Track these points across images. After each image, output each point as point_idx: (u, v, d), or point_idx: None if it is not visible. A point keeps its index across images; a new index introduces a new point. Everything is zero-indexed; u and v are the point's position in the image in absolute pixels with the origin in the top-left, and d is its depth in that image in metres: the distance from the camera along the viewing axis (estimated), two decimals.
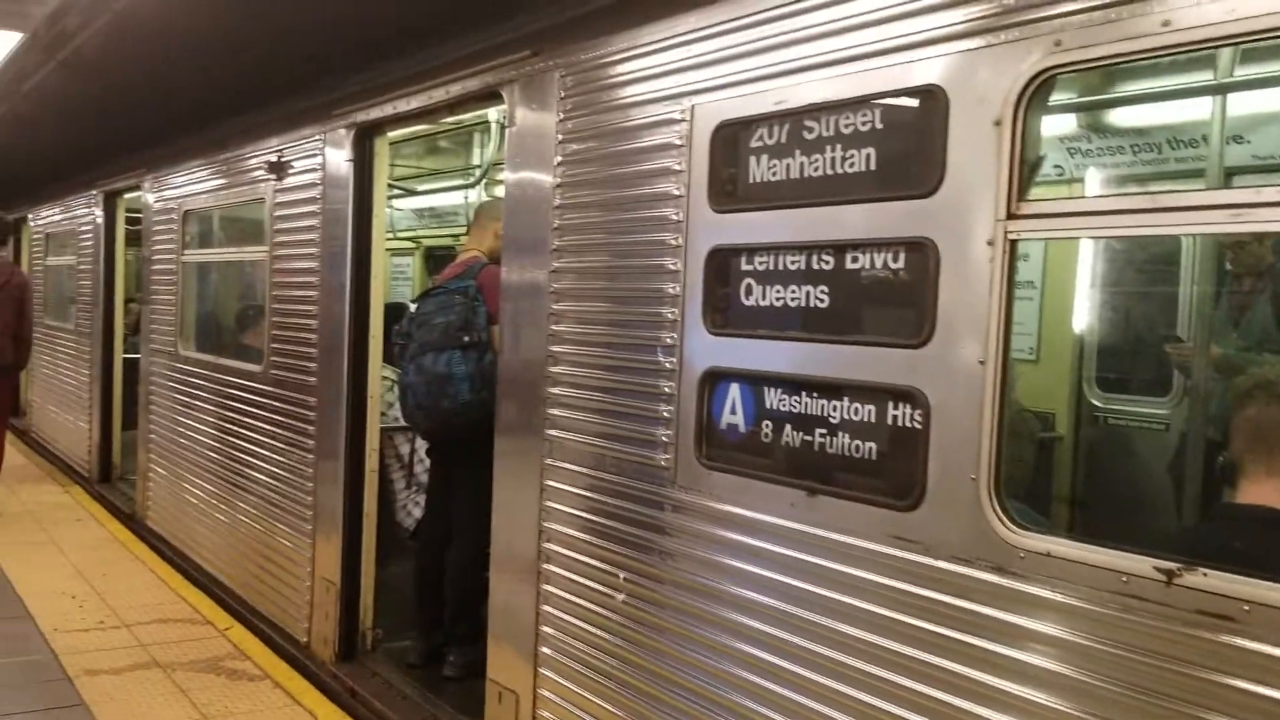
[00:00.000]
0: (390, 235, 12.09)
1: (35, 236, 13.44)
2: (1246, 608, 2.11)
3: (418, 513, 6.23)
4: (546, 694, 4.09)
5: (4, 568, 7.43)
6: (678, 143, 3.46)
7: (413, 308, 5.65)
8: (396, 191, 9.71)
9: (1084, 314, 6.35)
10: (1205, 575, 2.18)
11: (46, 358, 12.63)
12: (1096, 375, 6.38)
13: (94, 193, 10.56)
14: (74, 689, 5.36)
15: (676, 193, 3.46)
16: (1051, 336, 6.49)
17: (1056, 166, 6.20)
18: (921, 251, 2.70)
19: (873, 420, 2.85)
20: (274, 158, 6.32)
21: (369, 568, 5.69)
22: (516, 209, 4.31)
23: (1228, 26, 2.13)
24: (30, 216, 13.67)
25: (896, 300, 2.82)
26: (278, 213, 6.34)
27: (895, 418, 2.79)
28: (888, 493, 2.82)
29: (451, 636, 5.47)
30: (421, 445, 6.30)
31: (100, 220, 10.42)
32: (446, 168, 9.49)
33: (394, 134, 5.90)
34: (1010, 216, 2.50)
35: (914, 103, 2.75)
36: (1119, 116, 5.76)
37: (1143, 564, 2.27)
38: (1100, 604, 2.35)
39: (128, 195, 10.05)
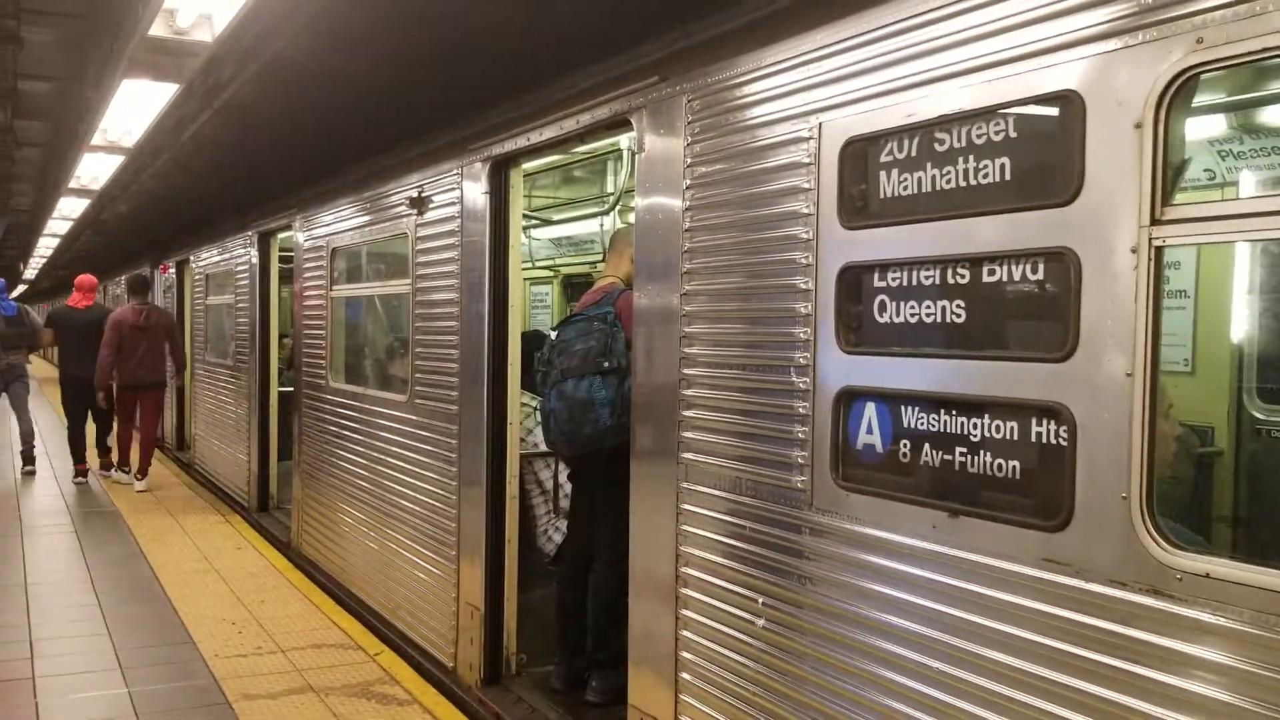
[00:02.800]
0: (529, 265, 12.31)
1: (196, 277, 14.05)
2: None
3: (558, 538, 6.29)
4: None
5: (170, 595, 7.77)
6: (806, 160, 3.43)
7: (552, 335, 5.72)
8: (534, 221, 9.86)
9: (1242, 322, 6.06)
10: None
11: (208, 392, 13.21)
12: (1258, 386, 6.07)
13: (249, 233, 10.99)
14: (233, 713, 5.55)
15: (806, 211, 3.42)
16: (1208, 347, 6.21)
17: (1207, 170, 5.95)
18: (1061, 262, 2.60)
19: (1015, 438, 2.76)
20: (414, 193, 6.48)
21: (512, 593, 5.75)
22: (647, 233, 4.32)
23: None
24: (192, 258, 14.31)
25: (1037, 313, 2.73)
26: (419, 246, 6.50)
27: (1039, 435, 2.69)
28: (1034, 513, 2.72)
29: (594, 661, 5.49)
30: (563, 471, 6.36)
31: (255, 259, 10.84)
32: (582, 196, 9.61)
33: (529, 165, 6.00)
34: (1155, 222, 2.40)
35: (1049, 109, 2.67)
36: (1272, 115, 5.50)
37: None
38: (1266, 628, 2.21)
39: (280, 235, 10.44)
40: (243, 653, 6.52)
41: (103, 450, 13.27)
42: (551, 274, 12.38)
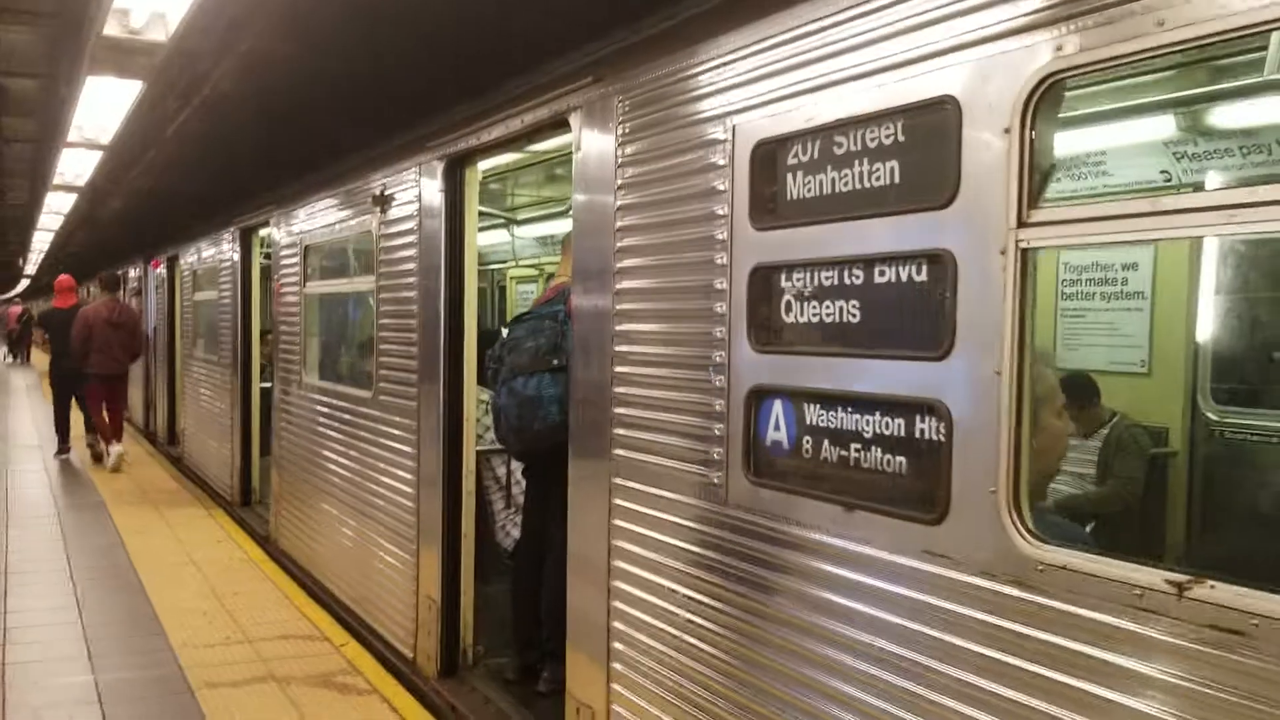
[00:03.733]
0: (514, 263, 12.38)
1: (185, 274, 14.15)
2: (1255, 622, 2.04)
3: (516, 533, 6.36)
4: (620, 710, 4.14)
5: (146, 586, 7.87)
6: (721, 162, 3.50)
7: (504, 333, 5.79)
8: (498, 220, 9.94)
9: (1199, 324, 6.12)
10: (1213, 588, 2.11)
11: (196, 388, 13.31)
12: (1211, 387, 6.14)
13: (231, 230, 11.07)
14: (195, 700, 5.64)
15: (721, 212, 3.49)
16: (1164, 349, 6.27)
17: (1163, 173, 6.01)
18: (940, 263, 2.68)
19: (901, 434, 2.83)
20: (378, 191, 6.56)
21: (469, 586, 5.83)
22: (583, 233, 4.40)
23: (1215, 24, 2.07)
24: (180, 255, 14.42)
25: (920, 313, 2.80)
26: (383, 244, 6.58)
27: (921, 431, 2.77)
28: (917, 506, 2.79)
29: (546, 653, 5.56)
30: (518, 467, 6.43)
31: (237, 256, 10.92)
32: (562, 195, 9.68)
33: (488, 164, 6.06)
34: (1021, 225, 2.47)
35: (930, 113, 2.73)
36: (1224, 117, 5.55)
37: (1154, 576, 2.21)
38: (1118, 618, 2.29)
39: (261, 232, 10.53)
40: (211, 643, 6.61)
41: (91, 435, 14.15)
42: (537, 272, 12.47)
